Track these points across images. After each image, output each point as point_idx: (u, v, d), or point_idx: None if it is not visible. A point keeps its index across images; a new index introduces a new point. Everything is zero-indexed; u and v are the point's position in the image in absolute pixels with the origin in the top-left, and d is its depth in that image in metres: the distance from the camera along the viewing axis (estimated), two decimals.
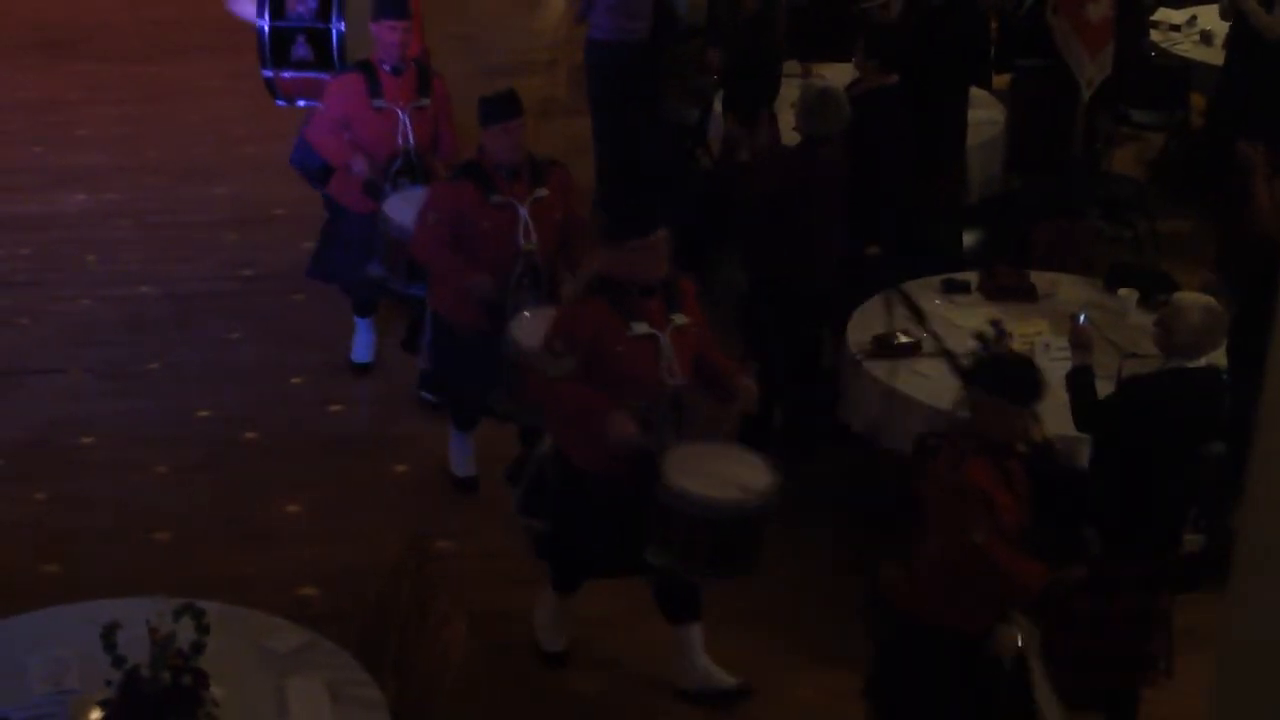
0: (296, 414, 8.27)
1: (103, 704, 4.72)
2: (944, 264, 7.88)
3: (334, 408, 8.33)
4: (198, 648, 4.73)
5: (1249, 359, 5.08)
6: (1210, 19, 10.63)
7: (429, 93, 8.01)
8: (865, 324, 7.24)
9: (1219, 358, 6.13)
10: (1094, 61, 8.76)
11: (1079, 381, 5.89)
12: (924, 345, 7.00)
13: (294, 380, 8.57)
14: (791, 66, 9.51)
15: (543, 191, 6.89)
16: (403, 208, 7.36)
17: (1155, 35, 10.87)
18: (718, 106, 9.30)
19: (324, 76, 8.52)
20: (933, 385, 6.73)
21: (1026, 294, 7.49)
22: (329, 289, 8.69)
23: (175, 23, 13.99)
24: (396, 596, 5.55)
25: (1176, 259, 8.97)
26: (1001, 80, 10.15)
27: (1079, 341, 5.98)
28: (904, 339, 7.02)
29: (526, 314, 6.59)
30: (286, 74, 8.86)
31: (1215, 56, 10.32)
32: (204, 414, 8.26)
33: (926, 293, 7.50)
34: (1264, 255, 6.73)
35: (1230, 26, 9.85)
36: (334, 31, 8.74)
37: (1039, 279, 7.61)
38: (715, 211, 8.77)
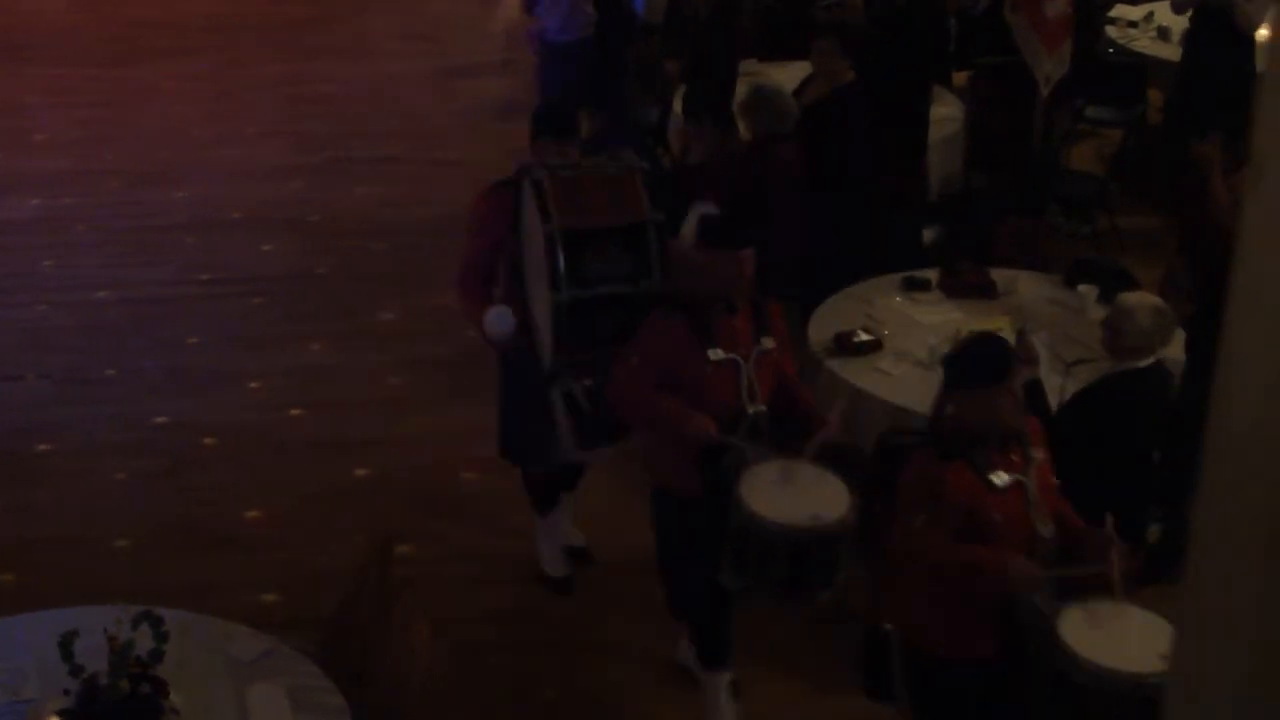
0: (256, 419, 8.22)
1: (61, 713, 4.67)
2: (905, 261, 7.88)
3: (294, 412, 8.29)
4: (156, 655, 4.70)
5: (1207, 353, 5.10)
6: (1167, 15, 10.68)
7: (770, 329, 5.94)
8: (826, 322, 7.23)
9: (1175, 351, 6.15)
10: (1052, 58, 8.78)
11: (1029, 396, 5.86)
12: (885, 343, 7.00)
13: (253, 385, 8.52)
14: (750, 65, 9.52)
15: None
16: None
17: (1112, 32, 10.93)
18: (677, 106, 9.30)
19: None
20: (895, 383, 6.73)
21: (987, 291, 7.50)
22: (289, 290, 8.66)
23: (134, 26, 13.94)
24: (359, 601, 5.51)
25: (1135, 255, 9.01)
26: (961, 77, 10.18)
27: (1024, 356, 5.93)
28: (865, 337, 7.02)
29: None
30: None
31: (1172, 53, 10.37)
32: (162, 420, 8.20)
33: (887, 290, 7.50)
34: (1222, 250, 6.75)
35: (1189, 22, 9.90)
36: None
37: (999, 276, 7.62)
38: (676, 212, 8.75)
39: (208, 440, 8.04)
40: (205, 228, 10.26)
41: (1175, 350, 6.46)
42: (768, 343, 5.67)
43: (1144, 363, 5.76)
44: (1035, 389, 5.84)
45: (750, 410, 5.61)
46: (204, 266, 9.76)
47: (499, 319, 6.23)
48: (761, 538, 5.34)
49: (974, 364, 5.11)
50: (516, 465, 6.88)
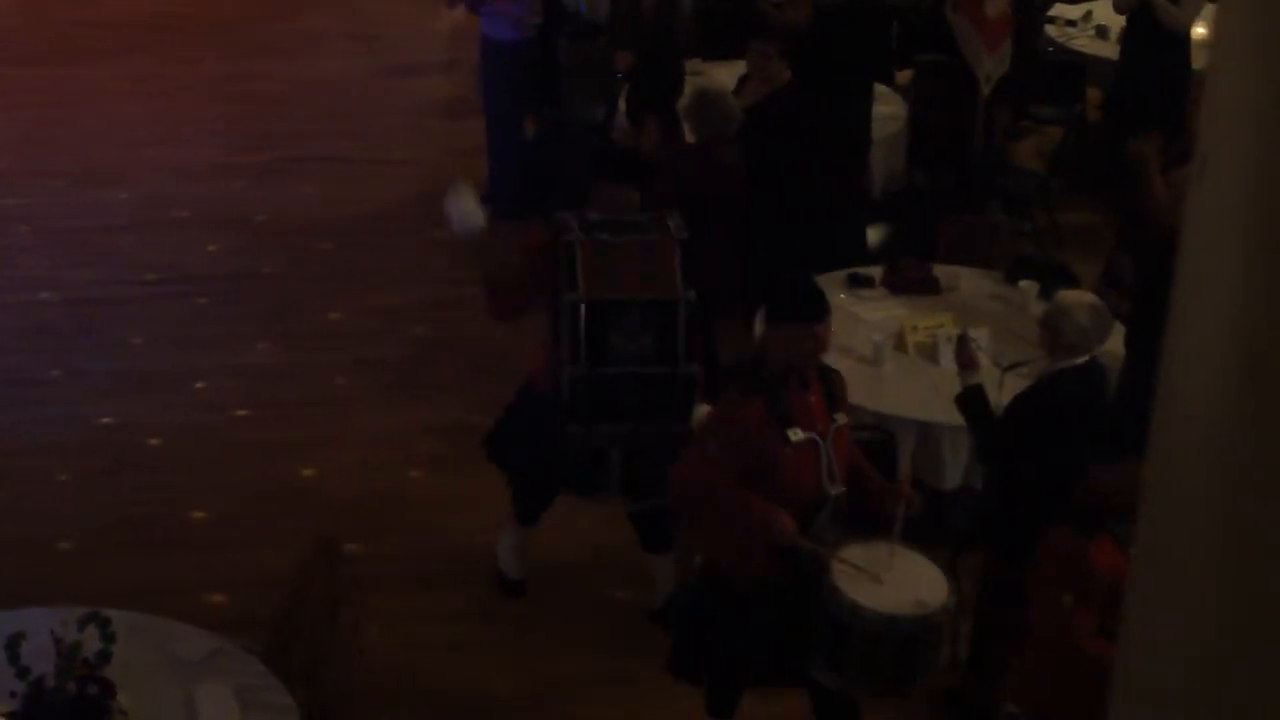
0: (201, 419, 8.20)
1: (8, 715, 4.65)
2: (849, 258, 7.94)
3: (239, 412, 8.27)
4: (104, 657, 4.69)
5: (1147, 349, 5.15)
6: (1105, 14, 10.78)
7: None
8: None
9: (1113, 346, 6.22)
10: (992, 57, 8.87)
11: (971, 402, 5.90)
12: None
13: (198, 385, 8.50)
14: (694, 64, 9.56)
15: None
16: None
17: (1052, 30, 11.03)
18: (623, 105, 9.33)
19: None
20: None
21: (930, 287, 7.57)
22: (235, 290, 8.60)
23: (75, 26, 13.84)
24: (306, 601, 5.52)
25: (1075, 251, 9.10)
26: (903, 76, 10.25)
27: (965, 362, 5.97)
28: None
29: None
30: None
31: (1111, 51, 10.47)
32: (107, 421, 8.17)
33: (831, 287, 7.55)
34: (1161, 246, 6.83)
35: (1126, 21, 10.00)
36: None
37: (942, 272, 7.69)
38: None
39: (153, 441, 8.02)
40: (149, 228, 10.21)
41: (1113, 345, 6.53)
42: (840, 418, 5.35)
43: (1081, 360, 5.82)
44: (976, 393, 5.89)
45: (832, 493, 5.28)
46: (148, 267, 9.72)
47: (463, 215, 6.07)
48: (865, 631, 5.06)
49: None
50: (505, 468, 6.67)
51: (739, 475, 5.18)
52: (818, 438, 5.23)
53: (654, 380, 5.73)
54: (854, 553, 5.18)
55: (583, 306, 5.68)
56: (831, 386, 5.37)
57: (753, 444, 5.16)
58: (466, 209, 6.07)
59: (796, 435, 5.17)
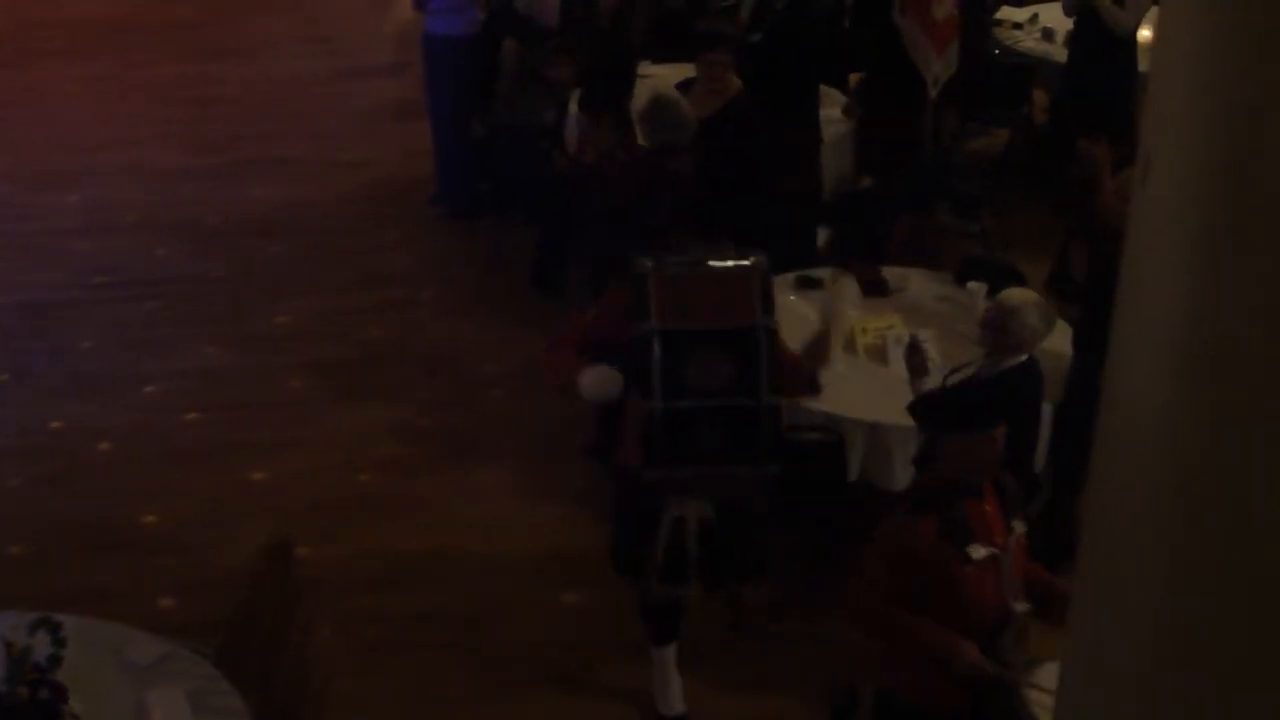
0: (151, 423, 8.18)
1: None
2: (799, 260, 7.96)
3: (189, 416, 8.24)
4: (55, 661, 4.68)
5: (1095, 349, 5.19)
6: (1051, 16, 10.85)
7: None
8: None
9: (1057, 344, 6.27)
10: (940, 59, 8.91)
11: (923, 409, 5.95)
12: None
13: (148, 389, 8.47)
14: (643, 67, 9.58)
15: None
16: None
17: (998, 33, 11.08)
18: (573, 107, 9.33)
19: None
20: None
21: (879, 289, 7.61)
22: (185, 293, 8.56)
23: (25, 28, 13.77)
24: (257, 604, 5.51)
25: (1022, 252, 9.15)
26: (854, 78, 10.28)
27: (916, 368, 6.00)
28: None
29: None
30: None
31: (1057, 53, 10.54)
32: (57, 425, 8.14)
33: (782, 289, 7.58)
34: (1110, 246, 6.87)
35: (1074, 23, 10.06)
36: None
37: (891, 274, 7.72)
38: (572, 213, 8.80)
39: (103, 445, 7.99)
40: (99, 231, 10.18)
41: (1059, 345, 6.59)
42: (1019, 526, 4.99)
43: (1023, 358, 5.88)
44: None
45: (1018, 609, 4.93)
46: (98, 270, 9.69)
47: (602, 379, 5.64)
48: None
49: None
50: (625, 578, 6.21)
51: (915, 598, 4.83)
52: (999, 551, 4.88)
53: (735, 414, 5.40)
54: (1045, 675, 4.76)
55: (656, 337, 5.40)
56: (1007, 494, 5.01)
57: (923, 566, 4.81)
58: (607, 380, 5.70)
59: (978, 552, 4.81)
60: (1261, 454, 2.25)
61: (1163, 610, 2.48)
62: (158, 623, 5.84)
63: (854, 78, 10.23)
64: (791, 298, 7.50)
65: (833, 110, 9.42)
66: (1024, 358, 5.87)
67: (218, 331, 9.02)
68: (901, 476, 6.70)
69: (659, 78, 9.24)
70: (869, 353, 7.02)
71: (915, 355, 6.00)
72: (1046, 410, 6.34)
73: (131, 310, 9.23)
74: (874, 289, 7.60)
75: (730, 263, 5.62)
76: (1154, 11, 9.60)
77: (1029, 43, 11.02)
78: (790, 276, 7.69)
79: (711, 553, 5.84)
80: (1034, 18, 11.21)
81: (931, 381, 6.00)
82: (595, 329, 5.83)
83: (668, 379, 5.37)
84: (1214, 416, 2.32)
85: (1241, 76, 2.21)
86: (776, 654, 6.54)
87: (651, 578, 5.87)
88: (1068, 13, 10.11)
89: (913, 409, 5.97)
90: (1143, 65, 9.42)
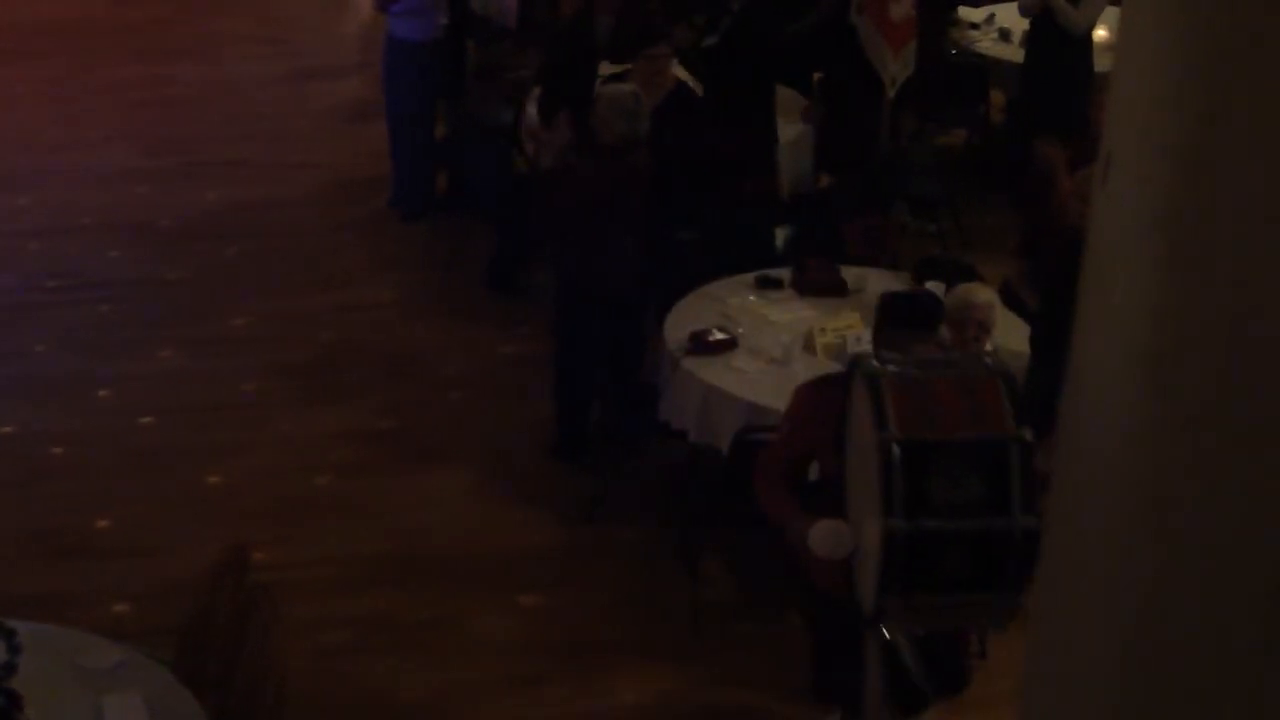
0: (105, 427, 8.11)
1: None
2: (758, 260, 7.97)
3: (143, 420, 8.18)
4: (9, 668, 4.62)
5: (1053, 350, 5.20)
6: (1008, 17, 10.90)
7: None
8: (682, 321, 7.30)
9: (1011, 342, 6.29)
10: (897, 60, 8.93)
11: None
12: (740, 341, 7.08)
13: (101, 393, 8.40)
14: (606, 68, 9.56)
15: None
16: None
17: (955, 33, 11.12)
18: (531, 108, 9.31)
19: None
20: (750, 381, 6.80)
21: (837, 289, 7.61)
22: (139, 296, 8.50)
23: None
24: (214, 609, 5.47)
25: (979, 251, 9.18)
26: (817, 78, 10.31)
27: None
28: (720, 335, 7.09)
29: None
30: None
31: (1013, 54, 10.58)
32: (8, 430, 8.06)
33: (740, 289, 7.58)
34: (1068, 247, 6.90)
35: (1030, 24, 10.11)
36: None
37: (849, 274, 7.73)
38: (532, 212, 8.81)
39: (56, 450, 7.92)
40: (52, 233, 10.10)
41: (1016, 344, 6.61)
42: None
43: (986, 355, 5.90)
44: None
45: None
46: (51, 273, 9.61)
47: (835, 538, 5.01)
48: None
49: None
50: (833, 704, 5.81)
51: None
52: None
53: (985, 536, 4.66)
54: None
55: (896, 448, 4.58)
56: None
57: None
58: (837, 540, 5.09)
59: None
60: (1227, 455, 2.25)
61: (1128, 620, 2.48)
62: (114, 628, 5.80)
63: (816, 77, 10.26)
64: (751, 298, 7.51)
65: (790, 115, 9.42)
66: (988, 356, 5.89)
67: (173, 334, 8.96)
68: None
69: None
70: (828, 353, 7.02)
71: None
72: None
73: (85, 313, 9.16)
74: (833, 289, 7.61)
75: (964, 362, 5.22)
76: (1110, 12, 9.66)
77: (986, 43, 11.07)
78: (749, 276, 7.70)
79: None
80: (991, 18, 11.26)
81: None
82: (793, 445, 5.43)
83: (912, 496, 4.57)
84: (1180, 417, 2.32)
85: (1203, 78, 2.21)
86: (739, 650, 6.55)
87: (877, 711, 5.21)
88: (1023, 13, 10.16)
89: None
90: (1099, 65, 9.47)
